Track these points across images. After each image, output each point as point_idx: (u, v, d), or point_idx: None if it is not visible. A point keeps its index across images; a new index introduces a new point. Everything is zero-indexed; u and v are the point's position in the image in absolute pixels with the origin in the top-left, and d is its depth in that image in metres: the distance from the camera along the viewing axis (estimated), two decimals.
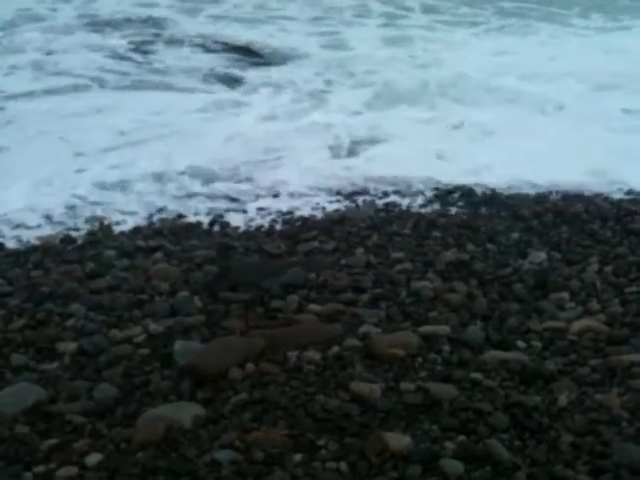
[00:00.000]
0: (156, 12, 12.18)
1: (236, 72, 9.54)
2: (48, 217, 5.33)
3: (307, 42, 10.96)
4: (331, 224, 4.98)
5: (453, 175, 6.03)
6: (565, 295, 3.79)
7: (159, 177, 6.11)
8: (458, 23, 12.76)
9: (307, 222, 5.10)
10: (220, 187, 6.00)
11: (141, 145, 6.94)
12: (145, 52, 10.22)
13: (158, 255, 4.45)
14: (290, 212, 5.37)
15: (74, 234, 4.93)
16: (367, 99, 8.31)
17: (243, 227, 5.10)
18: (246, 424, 2.62)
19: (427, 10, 13.33)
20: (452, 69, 9.09)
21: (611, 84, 8.91)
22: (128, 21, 11.63)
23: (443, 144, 6.86)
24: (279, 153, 6.70)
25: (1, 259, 4.48)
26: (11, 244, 4.79)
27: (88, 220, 5.27)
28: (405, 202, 5.58)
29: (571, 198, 5.64)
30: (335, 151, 6.79)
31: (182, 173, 6.15)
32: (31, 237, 4.89)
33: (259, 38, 11.00)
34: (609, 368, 3.02)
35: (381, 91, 8.45)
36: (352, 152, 6.81)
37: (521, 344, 3.25)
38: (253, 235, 4.87)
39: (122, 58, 9.88)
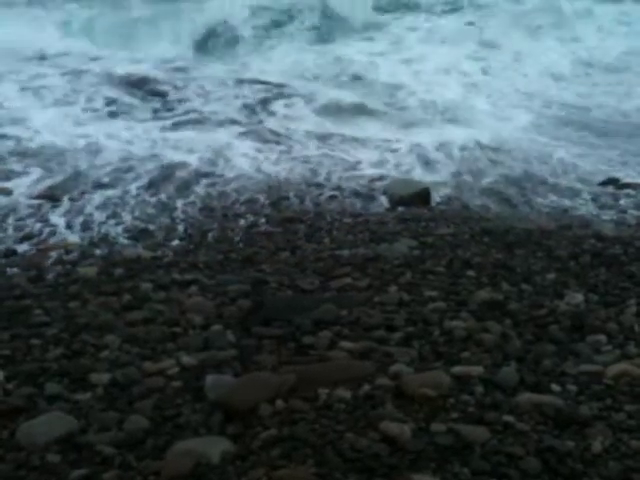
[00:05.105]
0: None
1: None
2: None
3: None
4: (364, 261, 4.98)
5: None
6: (602, 338, 3.72)
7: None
8: None
9: (340, 258, 5.11)
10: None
11: None
12: None
13: (193, 288, 4.50)
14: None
15: (112, 267, 5.02)
16: None
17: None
18: (274, 461, 2.60)
19: None
20: None
21: None
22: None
23: None
24: None
25: (40, 290, 4.57)
26: (50, 276, 4.90)
27: (126, 253, 5.38)
28: None
29: (609, 239, 5.56)
30: None
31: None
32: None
33: None
34: None
35: None
36: None
37: (556, 387, 3.18)
38: (286, 271, 4.89)
39: None
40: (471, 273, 4.69)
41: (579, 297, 4.25)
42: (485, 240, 5.52)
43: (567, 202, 7.25)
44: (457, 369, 3.30)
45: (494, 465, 2.57)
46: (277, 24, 14.80)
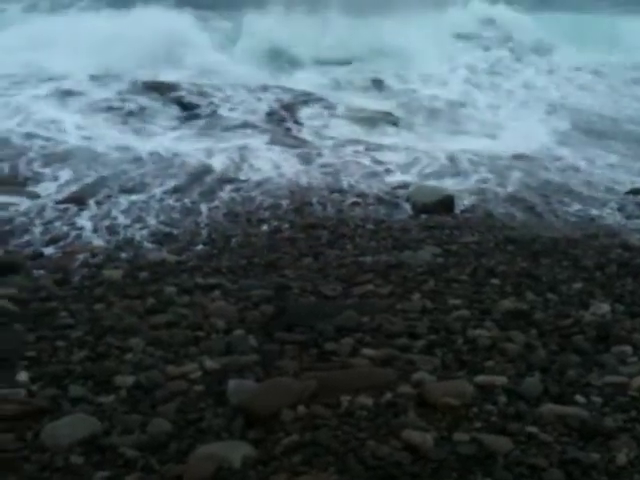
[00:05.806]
0: None
1: None
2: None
3: None
4: (387, 268, 4.96)
5: None
6: (628, 349, 3.67)
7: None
8: None
9: (363, 265, 5.10)
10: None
11: None
12: None
13: (216, 293, 4.52)
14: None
15: (136, 270, 5.06)
16: None
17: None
18: (296, 467, 2.60)
19: None
20: None
21: None
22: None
23: None
24: None
25: (66, 292, 4.61)
26: (76, 278, 4.95)
27: (151, 256, 5.42)
28: None
29: (636, 249, 5.50)
30: None
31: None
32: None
33: None
34: None
35: None
36: None
37: (580, 398, 3.14)
38: (309, 276, 4.89)
39: None
40: (495, 282, 4.66)
41: (605, 307, 4.20)
42: (510, 248, 5.48)
43: (593, 211, 7.16)
44: (480, 378, 3.27)
45: (517, 476, 2.55)
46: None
